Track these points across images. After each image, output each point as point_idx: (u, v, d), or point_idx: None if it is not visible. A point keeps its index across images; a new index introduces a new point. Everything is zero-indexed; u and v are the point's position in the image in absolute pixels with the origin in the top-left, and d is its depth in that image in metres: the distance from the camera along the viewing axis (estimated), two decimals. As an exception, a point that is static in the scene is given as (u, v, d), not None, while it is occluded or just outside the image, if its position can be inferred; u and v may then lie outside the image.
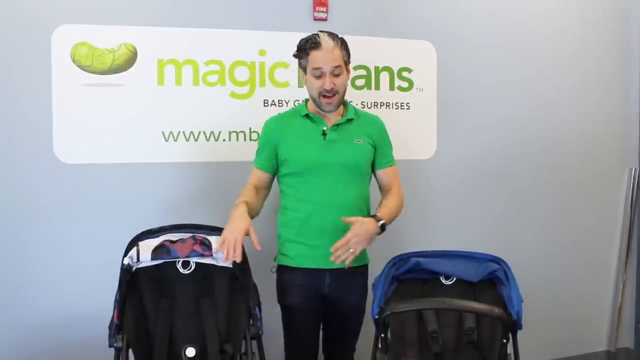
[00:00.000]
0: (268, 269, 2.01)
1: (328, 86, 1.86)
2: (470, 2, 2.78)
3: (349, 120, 1.96)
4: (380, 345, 1.73)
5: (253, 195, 1.93)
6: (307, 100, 2.00)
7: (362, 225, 1.79)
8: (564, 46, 2.94)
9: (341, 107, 1.98)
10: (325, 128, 1.93)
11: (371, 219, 1.84)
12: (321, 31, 1.89)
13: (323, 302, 1.94)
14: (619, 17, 3.06)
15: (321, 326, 2.04)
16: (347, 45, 1.92)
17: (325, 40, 1.85)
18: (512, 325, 1.72)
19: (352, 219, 1.80)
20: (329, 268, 1.88)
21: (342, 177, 1.90)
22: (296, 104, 2.49)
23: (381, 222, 1.84)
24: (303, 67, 1.92)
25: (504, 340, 1.72)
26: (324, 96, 1.88)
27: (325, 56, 1.85)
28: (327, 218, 1.88)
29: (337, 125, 1.94)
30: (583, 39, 2.99)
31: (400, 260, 1.91)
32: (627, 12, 3.07)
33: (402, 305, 1.73)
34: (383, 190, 2.04)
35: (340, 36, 1.92)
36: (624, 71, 3.08)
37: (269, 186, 2.00)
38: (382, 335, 1.72)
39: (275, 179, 2.02)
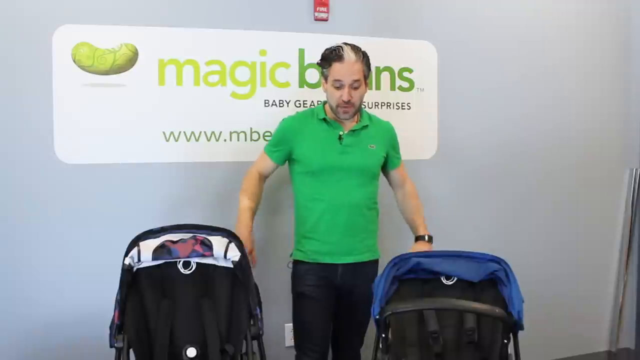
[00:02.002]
0: (283, 264, 2.11)
1: (346, 98, 1.97)
2: (471, 2, 2.78)
3: (364, 127, 2.08)
4: (381, 346, 1.73)
5: (257, 192, 2.09)
6: (324, 102, 2.11)
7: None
8: (564, 46, 2.95)
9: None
10: (341, 133, 2.05)
11: (421, 243, 2.11)
12: (345, 44, 1.99)
13: (335, 292, 2.05)
14: (619, 17, 3.06)
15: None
16: (368, 60, 2.02)
17: (348, 54, 1.95)
18: (513, 326, 1.71)
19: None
20: (341, 262, 2.02)
21: (355, 179, 2.03)
22: (297, 104, 2.50)
23: (428, 237, 2.13)
24: (325, 76, 2.03)
25: (505, 341, 1.71)
26: (341, 106, 1.99)
27: (346, 69, 1.95)
28: (339, 217, 2.02)
29: (353, 131, 2.06)
30: (584, 39, 2.99)
31: (400, 260, 1.91)
32: (628, 12, 3.07)
33: (403, 305, 1.74)
34: (395, 185, 2.24)
35: (363, 50, 2.02)
36: (625, 71, 3.08)
37: (272, 172, 2.16)
38: (383, 335, 1.72)
39: (290, 177, 2.14)
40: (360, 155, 2.04)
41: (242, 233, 1.94)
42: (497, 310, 1.66)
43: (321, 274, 2.02)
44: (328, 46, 2.03)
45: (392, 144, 2.17)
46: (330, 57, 1.97)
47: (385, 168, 2.17)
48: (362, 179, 2.05)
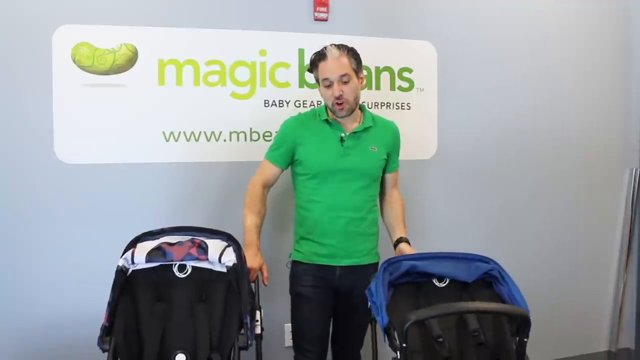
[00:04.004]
0: (284, 264, 2.11)
1: (337, 93, 1.94)
2: (471, 2, 2.78)
3: (366, 129, 2.04)
4: (399, 356, 1.64)
5: (262, 207, 2.05)
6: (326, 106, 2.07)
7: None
8: (565, 46, 2.94)
9: (359, 113, 2.08)
10: (343, 135, 2.02)
11: (407, 245, 2.06)
12: (332, 44, 1.98)
13: (333, 294, 2.04)
14: (620, 17, 3.06)
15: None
16: (355, 54, 1.99)
17: (331, 51, 1.94)
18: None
19: None
20: (339, 265, 2.01)
21: (355, 182, 2.01)
22: (297, 104, 2.50)
23: (405, 240, 2.09)
24: (317, 80, 2.02)
25: (525, 339, 1.68)
26: (335, 103, 1.96)
27: (331, 66, 1.93)
28: (338, 219, 2.00)
29: (355, 132, 2.03)
30: (584, 39, 2.98)
31: (390, 264, 1.86)
32: (628, 12, 3.06)
33: (426, 312, 1.66)
34: (384, 188, 2.17)
35: (350, 46, 1.99)
36: (625, 71, 3.07)
37: (277, 179, 2.10)
38: (404, 345, 1.62)
39: (290, 176, 2.13)
40: (362, 158, 2.02)
41: (250, 255, 1.92)
42: (522, 311, 1.65)
43: (319, 275, 2.01)
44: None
45: (394, 146, 2.15)
46: (315, 59, 1.97)
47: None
48: (363, 181, 2.02)
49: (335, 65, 1.93)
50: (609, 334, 3.13)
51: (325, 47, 1.97)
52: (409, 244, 2.07)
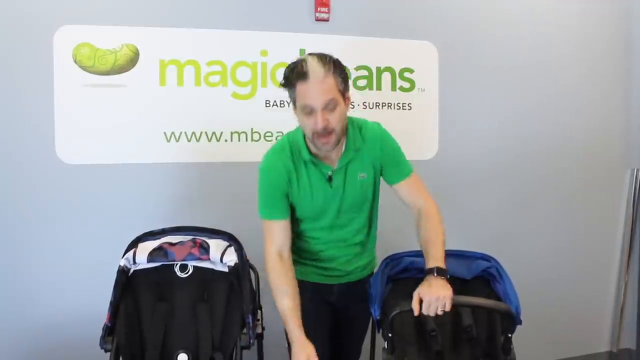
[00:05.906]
0: None
1: (320, 125, 1.57)
2: (472, 2, 2.78)
3: (352, 158, 1.76)
4: (386, 346, 1.71)
5: (290, 281, 1.72)
6: (304, 135, 1.71)
7: (427, 290, 1.59)
8: (565, 46, 2.94)
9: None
10: (330, 173, 1.74)
11: (428, 280, 1.62)
12: (311, 54, 1.60)
13: (331, 310, 1.92)
14: (621, 17, 3.05)
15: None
16: (341, 69, 1.62)
17: (314, 69, 1.55)
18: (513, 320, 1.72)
19: (415, 299, 1.59)
20: (337, 283, 1.90)
21: (348, 214, 1.83)
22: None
23: (436, 270, 1.62)
24: (292, 100, 1.63)
25: (510, 335, 1.71)
26: (318, 136, 1.61)
27: (314, 90, 1.55)
28: (335, 250, 1.86)
29: (342, 166, 1.75)
30: (585, 39, 2.98)
31: (392, 260, 1.90)
32: (630, 11, 3.06)
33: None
34: (406, 203, 1.84)
35: (334, 58, 1.61)
36: (626, 71, 3.07)
37: (290, 230, 1.77)
38: (390, 335, 1.69)
39: None
40: (352, 192, 1.78)
41: (296, 352, 1.61)
42: (504, 306, 1.68)
43: (315, 291, 1.88)
44: (293, 61, 1.64)
45: (385, 156, 1.80)
46: (292, 76, 1.57)
47: (387, 180, 1.85)
48: (356, 212, 1.84)
49: (319, 90, 1.54)
50: (610, 334, 3.13)
51: (304, 61, 1.56)
52: (436, 273, 1.61)
